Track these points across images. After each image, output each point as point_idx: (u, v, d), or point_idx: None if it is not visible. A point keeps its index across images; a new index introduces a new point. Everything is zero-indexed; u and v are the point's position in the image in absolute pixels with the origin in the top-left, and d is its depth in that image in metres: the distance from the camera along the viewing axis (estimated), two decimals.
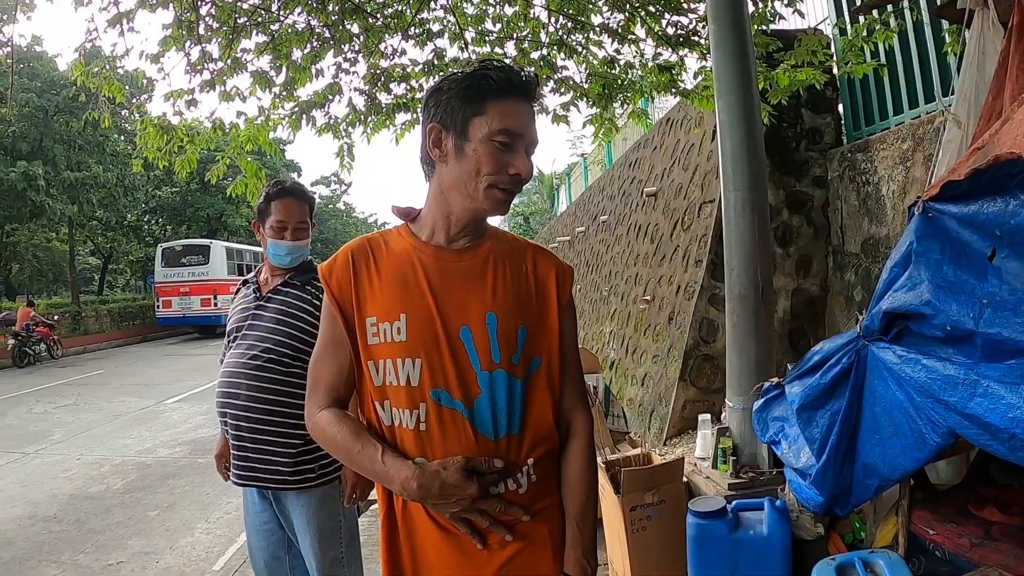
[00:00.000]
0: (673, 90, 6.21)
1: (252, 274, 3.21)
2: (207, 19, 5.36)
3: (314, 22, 5.61)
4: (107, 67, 5.40)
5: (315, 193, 3.50)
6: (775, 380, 3.30)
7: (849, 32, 6.12)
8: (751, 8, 5.34)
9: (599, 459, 4.18)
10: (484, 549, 1.69)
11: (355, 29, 5.76)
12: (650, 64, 6.10)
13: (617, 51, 6.08)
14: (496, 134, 1.62)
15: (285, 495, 2.95)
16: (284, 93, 5.93)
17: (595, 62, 6.13)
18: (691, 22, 5.87)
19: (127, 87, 5.67)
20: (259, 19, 5.51)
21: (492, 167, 1.62)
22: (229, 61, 5.55)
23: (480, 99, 1.63)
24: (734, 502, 3.43)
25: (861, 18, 5.88)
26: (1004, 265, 1.99)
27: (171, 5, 5.12)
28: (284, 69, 5.77)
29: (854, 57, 5.82)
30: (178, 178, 6.98)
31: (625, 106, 6.64)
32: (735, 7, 4.21)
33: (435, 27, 6.01)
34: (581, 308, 14.03)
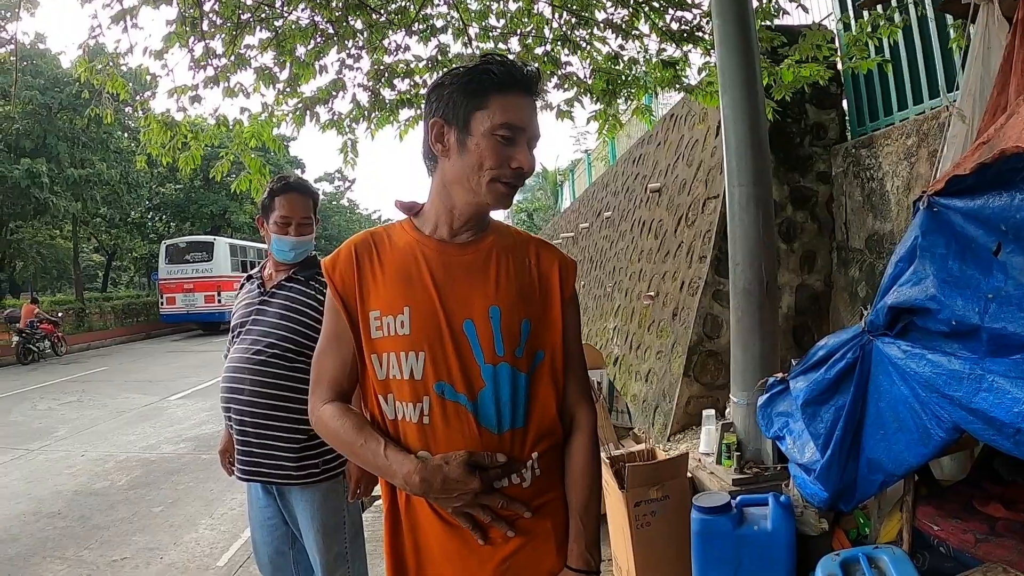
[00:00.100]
0: (677, 86, 6.19)
1: (256, 269, 3.21)
2: (210, 15, 5.36)
3: (318, 18, 5.60)
4: (111, 64, 5.40)
5: (319, 190, 3.50)
6: (779, 375, 3.29)
7: (853, 27, 6.10)
8: (755, 3, 5.33)
9: (603, 455, 4.18)
10: (487, 544, 1.69)
11: (359, 25, 5.75)
12: (654, 60, 6.09)
13: (621, 47, 6.06)
14: (498, 128, 1.62)
15: (289, 490, 2.95)
16: (288, 89, 5.92)
17: (599, 58, 6.11)
18: (695, 17, 5.85)
19: (131, 84, 5.66)
20: (263, 15, 5.51)
21: (494, 161, 1.62)
22: (233, 57, 5.54)
23: (482, 93, 1.63)
24: (738, 498, 3.42)
25: (865, 13, 5.86)
26: (1009, 260, 1.98)
27: (174, 1, 5.12)
28: (288, 65, 5.77)
29: (858, 52, 5.80)
30: (182, 175, 6.99)
31: (629, 102, 6.63)
32: (739, 2, 4.19)
33: (439, 23, 5.99)
34: (585, 304, 14.03)
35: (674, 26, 5.91)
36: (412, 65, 6.06)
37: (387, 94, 6.15)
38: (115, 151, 28.73)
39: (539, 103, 1.76)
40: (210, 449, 8.58)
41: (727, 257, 4.37)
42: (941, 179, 2.26)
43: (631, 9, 5.84)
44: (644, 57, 6.17)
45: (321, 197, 3.41)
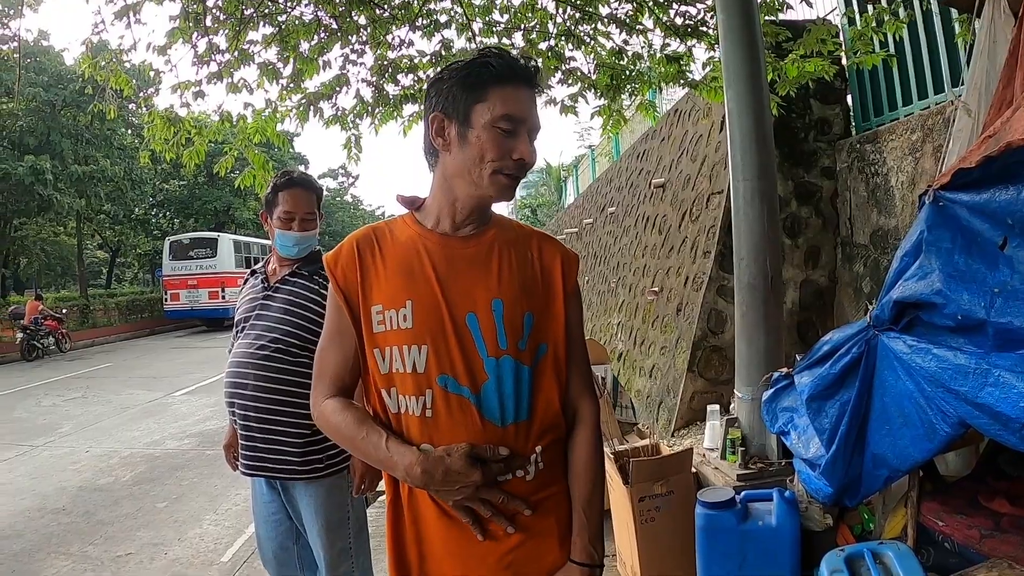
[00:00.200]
0: (681, 81, 6.19)
1: (260, 264, 3.20)
2: (214, 11, 5.36)
3: (321, 13, 5.60)
4: (114, 60, 5.40)
5: (323, 186, 3.50)
6: (784, 370, 3.29)
7: (858, 22, 6.09)
8: None
9: (608, 450, 4.18)
10: (487, 539, 1.69)
11: (362, 20, 5.75)
12: (658, 55, 6.08)
13: (625, 42, 6.06)
14: (498, 120, 1.62)
15: (293, 485, 2.95)
16: (291, 85, 5.93)
17: (603, 53, 6.11)
18: (699, 12, 5.84)
19: (134, 80, 5.67)
20: (266, 10, 5.52)
21: (496, 153, 1.63)
22: (236, 53, 5.56)
23: (481, 86, 1.63)
24: (743, 493, 3.42)
25: (870, 7, 5.85)
26: (1016, 254, 1.97)
27: None
28: (291, 61, 5.77)
29: (863, 47, 5.79)
30: (186, 171, 6.99)
31: (633, 97, 6.62)
32: None
33: (442, 18, 5.99)
34: (589, 300, 14.03)
35: (678, 21, 5.91)
36: (416, 60, 6.07)
37: (391, 89, 6.16)
38: (119, 148, 28.74)
39: (544, 98, 1.76)
40: (214, 445, 8.59)
41: (731, 252, 4.37)
42: (947, 173, 2.25)
43: (635, 4, 5.84)
44: (648, 52, 6.17)
45: (325, 193, 3.41)
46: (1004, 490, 2.83)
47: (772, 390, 3.32)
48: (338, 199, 58.63)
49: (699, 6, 5.82)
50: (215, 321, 28.36)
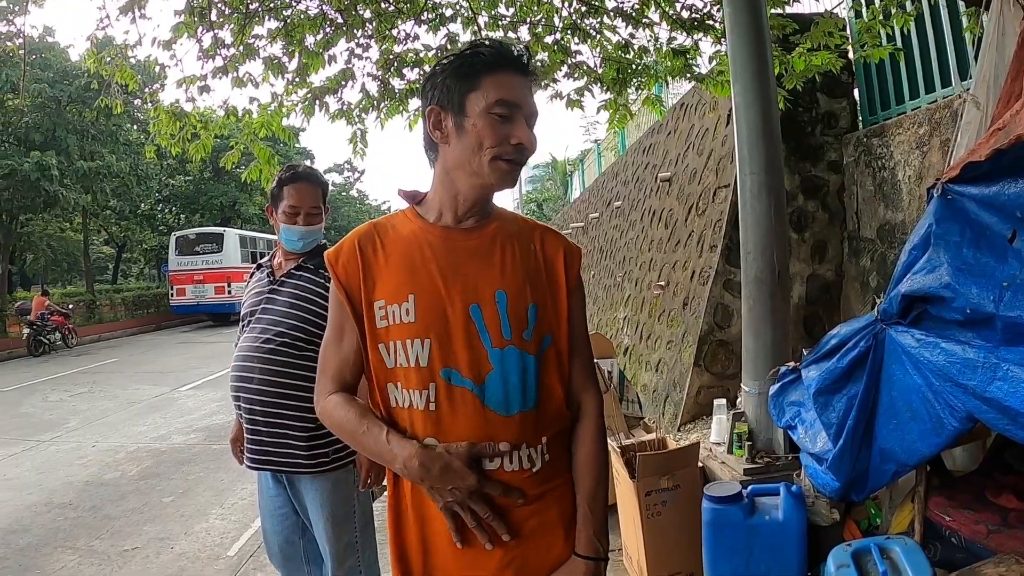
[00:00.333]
0: (688, 75, 6.17)
1: (266, 258, 3.20)
2: (219, 5, 5.36)
3: (326, 7, 5.59)
4: (119, 55, 5.41)
5: (328, 180, 3.50)
6: (791, 364, 3.28)
7: (865, 15, 6.06)
8: None
9: (614, 444, 4.18)
10: (466, 546, 1.69)
11: (367, 14, 5.74)
12: (664, 48, 6.06)
13: (631, 35, 6.05)
14: (493, 106, 1.62)
15: (299, 479, 2.95)
16: (297, 79, 5.92)
17: (609, 47, 6.10)
18: (705, 5, 5.83)
19: (139, 75, 5.68)
20: (271, 5, 5.51)
21: (493, 139, 1.63)
22: (241, 47, 5.55)
23: (474, 75, 1.64)
24: (749, 487, 3.42)
25: (877, 0, 5.82)
26: None
27: None
28: (297, 55, 5.77)
29: (870, 40, 5.77)
30: (191, 165, 7.02)
31: (639, 91, 6.61)
32: None
33: (448, 11, 5.98)
34: (595, 294, 14.03)
35: (684, 14, 5.89)
36: (421, 54, 6.06)
37: (396, 84, 6.16)
38: (124, 143, 28.75)
39: (550, 92, 1.76)
40: (220, 439, 8.62)
41: (738, 246, 4.36)
42: (956, 166, 2.24)
43: None
44: (654, 46, 6.15)
45: (331, 188, 3.40)
46: (1012, 485, 2.82)
47: (779, 384, 3.31)
48: (344, 194, 58.67)
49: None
50: (221, 316, 28.47)
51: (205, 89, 5.65)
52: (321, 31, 5.70)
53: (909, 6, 5.61)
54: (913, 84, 5.99)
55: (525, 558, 1.70)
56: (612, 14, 5.93)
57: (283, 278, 3.02)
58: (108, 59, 5.43)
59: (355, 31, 5.78)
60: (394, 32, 5.91)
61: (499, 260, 1.73)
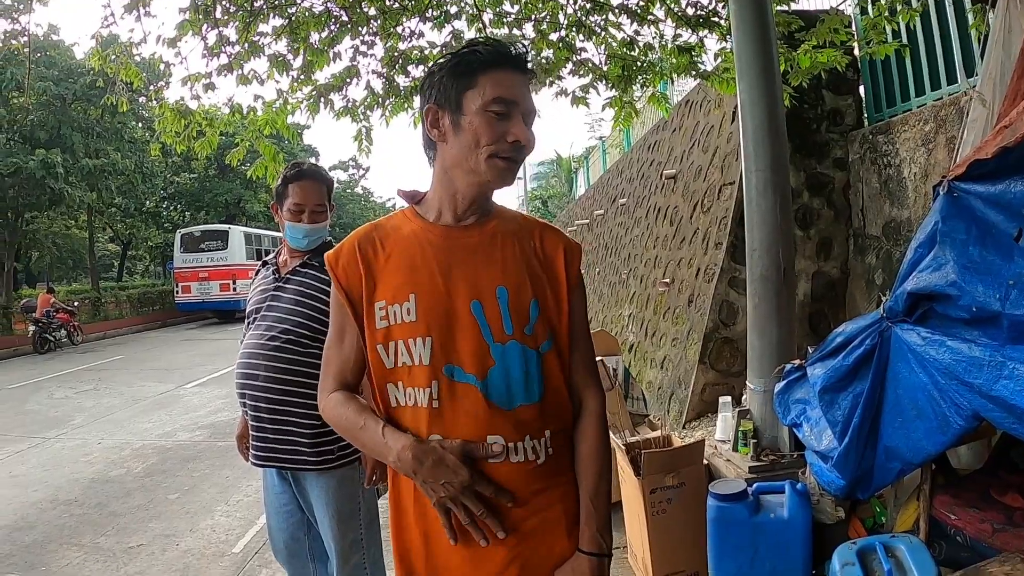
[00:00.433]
0: (693, 72, 6.15)
1: (272, 256, 3.21)
2: (224, 2, 5.36)
3: (331, 4, 5.59)
4: (124, 53, 5.41)
5: (333, 177, 3.51)
6: (797, 362, 3.28)
7: (870, 11, 6.04)
8: None
9: (619, 441, 4.18)
10: (457, 544, 1.69)
11: (372, 11, 5.74)
12: (669, 46, 6.05)
13: (636, 32, 6.02)
14: (490, 103, 1.62)
15: (304, 476, 2.95)
16: (302, 76, 5.92)
17: (614, 44, 6.08)
18: (711, 2, 5.81)
19: (144, 73, 5.68)
20: (276, 2, 5.51)
21: (490, 136, 1.63)
22: (246, 45, 5.55)
23: (470, 73, 1.64)
24: (755, 485, 3.42)
25: None
26: None
27: None
28: (301, 52, 5.77)
29: (876, 37, 5.75)
30: (197, 162, 7.04)
31: (644, 89, 6.60)
32: None
33: (452, 9, 5.97)
34: (600, 291, 14.02)
35: (690, 11, 5.87)
36: (426, 52, 6.05)
37: (401, 81, 6.15)
38: (129, 141, 28.83)
39: (555, 89, 1.76)
40: (226, 436, 8.64)
41: (743, 244, 4.36)
42: (962, 163, 2.24)
43: None
44: (659, 43, 6.13)
45: (336, 185, 3.41)
46: (1017, 484, 2.82)
47: (784, 382, 3.31)
48: (349, 191, 58.72)
49: None
50: (226, 313, 28.50)
51: (210, 86, 5.66)
52: (326, 28, 5.70)
53: (915, 2, 5.59)
54: (919, 81, 5.97)
55: (528, 556, 1.70)
56: (617, 11, 5.92)
57: (288, 275, 3.02)
58: (113, 57, 5.43)
59: (360, 28, 5.78)
60: (399, 29, 5.91)
61: (499, 257, 1.74)
